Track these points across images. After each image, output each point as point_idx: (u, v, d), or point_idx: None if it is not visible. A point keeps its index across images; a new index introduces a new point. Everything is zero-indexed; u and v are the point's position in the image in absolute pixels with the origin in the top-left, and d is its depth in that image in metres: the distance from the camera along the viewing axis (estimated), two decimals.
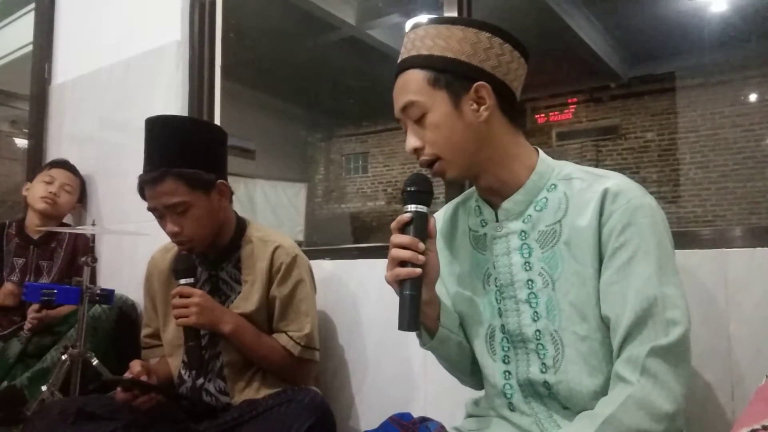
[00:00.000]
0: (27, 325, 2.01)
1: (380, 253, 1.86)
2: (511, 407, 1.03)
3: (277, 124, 8.35)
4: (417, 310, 0.93)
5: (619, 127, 7.63)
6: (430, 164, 1.01)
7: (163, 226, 1.41)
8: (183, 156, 1.39)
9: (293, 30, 6.02)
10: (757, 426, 0.68)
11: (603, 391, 0.92)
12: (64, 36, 2.84)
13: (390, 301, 1.71)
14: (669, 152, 7.18)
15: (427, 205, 0.97)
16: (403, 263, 0.94)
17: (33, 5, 3.10)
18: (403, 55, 1.03)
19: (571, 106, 7.83)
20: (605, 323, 0.93)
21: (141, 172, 1.41)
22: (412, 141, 1.01)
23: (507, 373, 1.03)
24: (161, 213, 1.39)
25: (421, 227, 0.96)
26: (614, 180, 0.95)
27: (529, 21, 5.22)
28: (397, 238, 0.95)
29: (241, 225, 1.54)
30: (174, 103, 2.26)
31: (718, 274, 1.21)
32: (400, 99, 1.01)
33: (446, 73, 0.97)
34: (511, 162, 1.01)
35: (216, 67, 2.36)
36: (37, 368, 1.97)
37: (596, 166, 1.12)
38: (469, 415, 1.15)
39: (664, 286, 0.88)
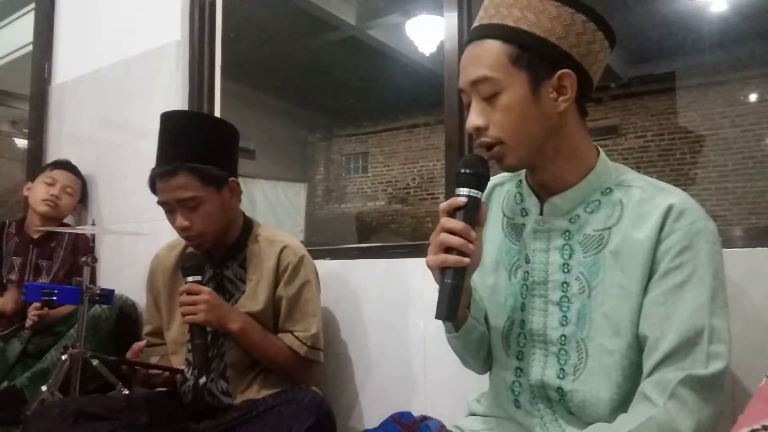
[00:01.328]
0: (28, 323, 2.01)
1: (380, 253, 1.86)
2: (517, 404, 1.01)
3: (277, 124, 8.36)
4: (457, 300, 0.88)
5: (619, 127, 7.63)
6: (489, 147, 0.93)
7: (173, 221, 1.42)
8: (197, 151, 1.39)
9: (293, 30, 6.03)
10: (757, 426, 0.68)
11: (618, 407, 0.90)
12: (64, 36, 2.84)
13: (390, 301, 1.72)
14: (669, 152, 7.19)
15: (482, 189, 0.91)
16: (449, 249, 0.87)
17: (33, 5, 3.10)
18: (483, 20, 0.93)
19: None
20: (640, 342, 0.88)
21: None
22: (476, 119, 0.92)
23: (518, 370, 1.00)
24: (172, 207, 1.40)
25: (473, 214, 0.89)
26: (679, 197, 0.89)
27: None
28: (449, 222, 0.88)
29: (248, 225, 1.55)
30: (174, 103, 2.26)
31: None
32: (472, 70, 0.91)
33: (531, 53, 0.88)
34: (573, 158, 0.95)
35: (216, 67, 2.36)
36: (37, 368, 1.97)
37: None
38: (471, 414, 1.13)
39: (714, 317, 0.84)
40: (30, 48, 3.02)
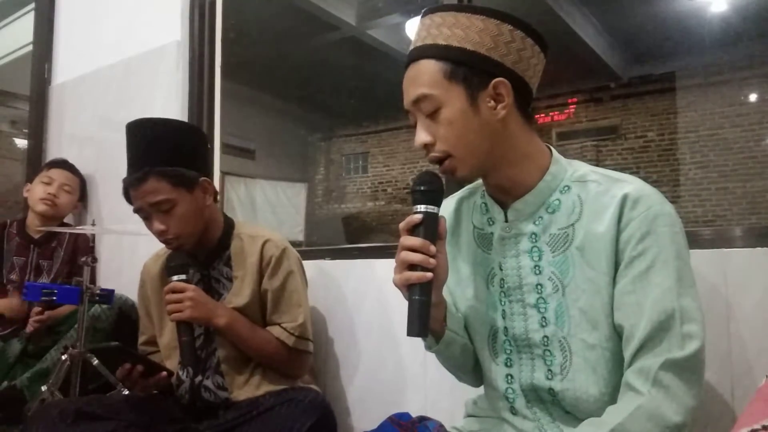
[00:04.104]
0: (29, 328, 2.01)
1: (380, 253, 1.86)
2: (514, 411, 1.01)
3: (277, 124, 8.37)
4: (427, 316, 0.89)
5: (619, 127, 7.63)
6: (439, 161, 0.95)
7: (150, 227, 1.43)
8: (163, 155, 1.41)
9: (293, 30, 6.03)
10: (757, 426, 0.68)
11: (609, 399, 0.91)
12: (64, 36, 2.84)
13: (390, 301, 1.72)
14: (669, 152, 7.19)
15: (438, 205, 0.92)
16: (412, 266, 0.89)
17: (33, 5, 3.09)
18: (417, 42, 0.97)
19: (571, 106, 7.83)
20: (617, 332, 0.90)
21: None
22: (422, 136, 0.95)
23: (509, 377, 1.01)
24: (147, 213, 1.41)
25: (431, 229, 0.91)
26: (633, 185, 0.91)
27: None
28: (408, 240, 0.90)
29: (229, 224, 1.56)
30: (174, 103, 2.26)
31: (718, 274, 1.21)
32: (411, 91, 0.95)
33: (464, 67, 0.92)
34: (525, 161, 0.97)
35: (216, 67, 2.35)
36: (37, 368, 1.97)
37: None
38: (469, 415, 1.14)
39: (683, 298, 0.86)
40: (30, 48, 3.02)
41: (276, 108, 8.13)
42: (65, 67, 2.79)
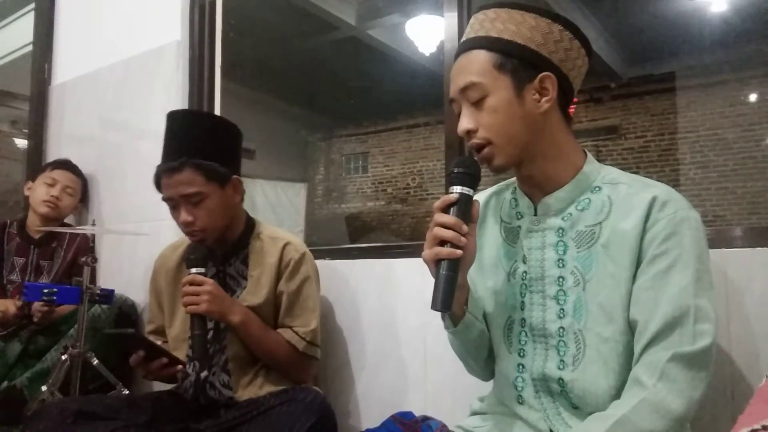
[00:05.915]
0: (35, 318, 2.00)
1: (380, 253, 1.86)
2: (520, 400, 1.03)
3: (277, 124, 8.35)
4: (452, 291, 0.92)
5: (619, 127, 7.63)
6: (479, 148, 0.99)
7: (176, 217, 1.43)
8: (201, 149, 1.42)
9: (293, 30, 6.02)
10: (757, 426, 0.68)
11: (617, 393, 0.92)
12: (64, 36, 2.84)
13: (390, 301, 1.72)
14: (669, 152, 7.18)
15: (473, 188, 0.96)
16: (443, 243, 0.92)
17: (33, 5, 3.09)
18: (469, 35, 1.01)
19: (571, 106, 7.81)
20: (632, 327, 0.92)
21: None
22: (465, 123, 0.98)
23: (521, 366, 1.03)
24: (176, 203, 1.42)
25: (465, 209, 0.94)
26: (663, 189, 0.95)
27: None
28: (441, 217, 0.94)
29: (251, 223, 1.57)
30: (174, 103, 2.26)
31: (718, 274, 1.21)
32: (460, 79, 0.99)
33: (513, 59, 0.96)
34: (560, 158, 1.01)
35: (216, 67, 2.36)
36: (37, 368, 1.97)
37: None
38: (474, 413, 1.14)
39: (699, 298, 0.88)
40: (30, 48, 3.01)
41: (276, 108, 8.12)
42: (65, 67, 2.79)
